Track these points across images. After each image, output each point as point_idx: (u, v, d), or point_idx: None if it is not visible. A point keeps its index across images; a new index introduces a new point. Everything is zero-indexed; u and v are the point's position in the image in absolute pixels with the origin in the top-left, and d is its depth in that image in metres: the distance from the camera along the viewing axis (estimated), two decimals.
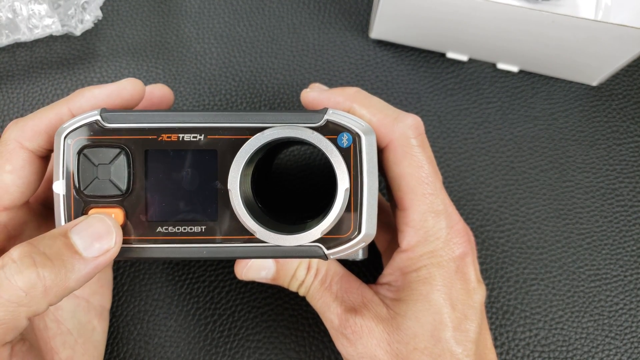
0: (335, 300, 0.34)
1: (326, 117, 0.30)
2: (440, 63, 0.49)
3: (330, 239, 0.30)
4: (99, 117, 0.30)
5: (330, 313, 0.34)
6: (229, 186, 0.29)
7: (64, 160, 0.30)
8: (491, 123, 0.48)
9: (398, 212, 0.34)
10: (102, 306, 0.39)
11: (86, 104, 0.32)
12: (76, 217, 0.30)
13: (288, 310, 0.43)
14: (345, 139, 0.29)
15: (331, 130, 0.30)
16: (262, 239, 0.29)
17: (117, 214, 0.30)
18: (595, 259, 0.45)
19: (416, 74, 0.49)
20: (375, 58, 0.49)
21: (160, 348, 0.42)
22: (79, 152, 0.30)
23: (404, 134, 0.32)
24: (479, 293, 0.33)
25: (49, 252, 0.28)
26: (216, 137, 0.30)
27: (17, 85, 0.48)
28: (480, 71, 0.49)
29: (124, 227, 0.30)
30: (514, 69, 0.49)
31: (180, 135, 0.30)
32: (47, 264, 0.27)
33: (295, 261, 0.35)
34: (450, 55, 0.49)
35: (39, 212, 0.36)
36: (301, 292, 0.36)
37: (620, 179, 0.47)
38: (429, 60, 0.50)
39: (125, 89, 0.33)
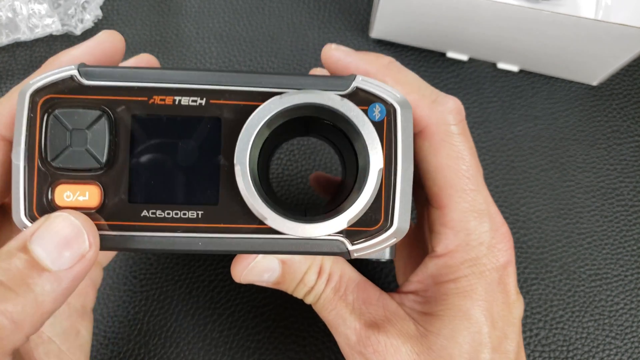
0: (352, 312, 0.29)
1: (355, 84, 0.25)
2: (440, 63, 0.49)
3: (356, 232, 0.25)
4: (75, 72, 0.24)
5: (345, 327, 0.29)
6: (236, 161, 0.24)
7: (28, 122, 0.24)
8: (491, 123, 0.48)
9: (432, 210, 0.30)
10: (83, 307, 0.35)
11: None
12: (40, 196, 0.24)
13: (288, 310, 0.43)
14: (377, 111, 0.25)
15: (361, 100, 0.25)
16: (273, 227, 0.24)
17: (92, 192, 0.25)
18: (595, 258, 0.45)
19: (416, 74, 0.49)
20: None
21: (160, 348, 0.42)
22: (49, 113, 0.24)
23: (444, 120, 0.28)
24: (519, 307, 0.29)
25: (8, 279, 0.22)
26: (221, 102, 0.25)
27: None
28: (480, 71, 0.49)
29: (100, 209, 0.25)
30: (515, 68, 0.49)
31: (177, 98, 0.25)
32: (9, 296, 0.22)
33: (304, 264, 0.29)
34: (451, 54, 0.49)
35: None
36: (309, 300, 0.31)
37: (620, 178, 0.46)
38: (429, 59, 0.49)
39: (104, 42, 0.28)
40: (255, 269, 0.29)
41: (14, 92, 0.27)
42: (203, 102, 0.25)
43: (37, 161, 0.24)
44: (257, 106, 0.24)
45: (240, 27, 0.50)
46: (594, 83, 0.48)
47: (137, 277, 0.43)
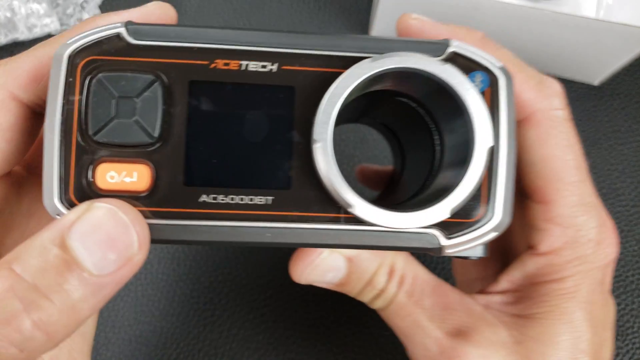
0: (432, 320, 0.26)
1: (451, 48, 0.22)
2: None
3: (451, 224, 0.22)
4: (122, 30, 0.21)
5: (425, 337, 0.26)
6: (316, 136, 0.20)
7: (66, 89, 0.20)
8: None
9: (533, 205, 0.27)
10: None
11: None
12: (78, 176, 0.20)
13: (288, 312, 0.43)
14: (478, 81, 0.22)
15: (459, 67, 0.21)
16: (361, 216, 0.21)
17: (141, 173, 0.21)
18: None
19: None
20: None
21: (160, 350, 0.42)
22: (91, 77, 0.21)
23: (551, 104, 0.26)
24: (612, 309, 0.27)
25: (43, 282, 0.19)
26: (295, 68, 0.21)
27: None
28: None
29: (150, 193, 0.21)
30: None
31: (243, 63, 0.21)
32: (43, 304, 0.19)
33: (374, 262, 0.26)
34: None
35: (20, 181, 0.27)
36: (377, 305, 0.28)
37: (622, 178, 0.46)
38: None
39: (152, 15, 0.25)
40: (318, 268, 0.25)
41: (37, 49, 0.24)
42: (274, 67, 0.21)
43: (75, 134, 0.20)
44: (336, 73, 0.21)
45: (240, 27, 0.49)
46: (595, 83, 0.48)
47: (139, 279, 0.43)
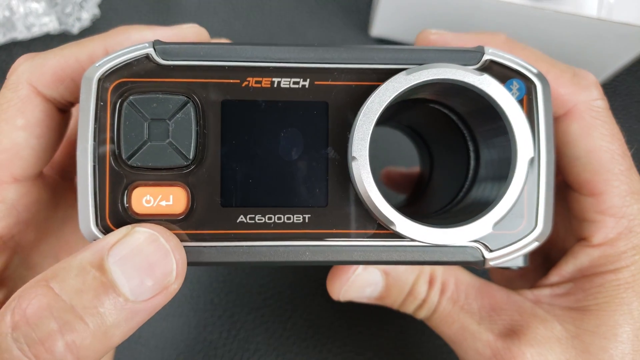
0: (481, 323, 0.26)
1: (487, 56, 0.22)
2: None
3: (494, 237, 0.21)
4: (151, 50, 0.21)
5: (475, 341, 0.25)
6: (354, 153, 0.20)
7: (97, 114, 0.20)
8: None
9: (581, 198, 0.26)
10: None
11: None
12: (113, 201, 0.20)
13: (287, 312, 0.43)
14: (515, 89, 0.22)
15: (495, 76, 0.21)
16: (404, 233, 0.21)
17: (177, 196, 0.21)
18: None
19: None
20: None
21: (160, 350, 0.42)
22: (122, 101, 0.20)
23: (591, 95, 0.25)
24: None
25: (79, 304, 0.18)
26: (328, 82, 0.21)
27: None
28: None
29: (187, 216, 0.21)
30: None
31: (275, 80, 0.21)
32: (78, 326, 0.18)
33: (412, 273, 0.26)
34: None
35: (54, 186, 0.27)
36: (421, 315, 0.27)
37: None
38: None
39: (187, 37, 0.24)
40: (355, 284, 0.26)
41: (64, 49, 0.24)
42: (307, 83, 0.21)
43: (108, 159, 0.20)
44: (371, 87, 0.21)
45: (239, 26, 0.49)
46: None
47: None
